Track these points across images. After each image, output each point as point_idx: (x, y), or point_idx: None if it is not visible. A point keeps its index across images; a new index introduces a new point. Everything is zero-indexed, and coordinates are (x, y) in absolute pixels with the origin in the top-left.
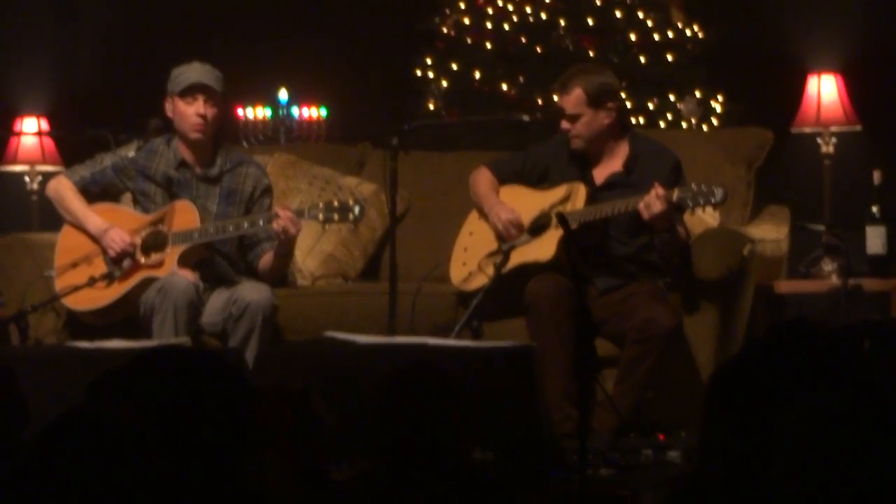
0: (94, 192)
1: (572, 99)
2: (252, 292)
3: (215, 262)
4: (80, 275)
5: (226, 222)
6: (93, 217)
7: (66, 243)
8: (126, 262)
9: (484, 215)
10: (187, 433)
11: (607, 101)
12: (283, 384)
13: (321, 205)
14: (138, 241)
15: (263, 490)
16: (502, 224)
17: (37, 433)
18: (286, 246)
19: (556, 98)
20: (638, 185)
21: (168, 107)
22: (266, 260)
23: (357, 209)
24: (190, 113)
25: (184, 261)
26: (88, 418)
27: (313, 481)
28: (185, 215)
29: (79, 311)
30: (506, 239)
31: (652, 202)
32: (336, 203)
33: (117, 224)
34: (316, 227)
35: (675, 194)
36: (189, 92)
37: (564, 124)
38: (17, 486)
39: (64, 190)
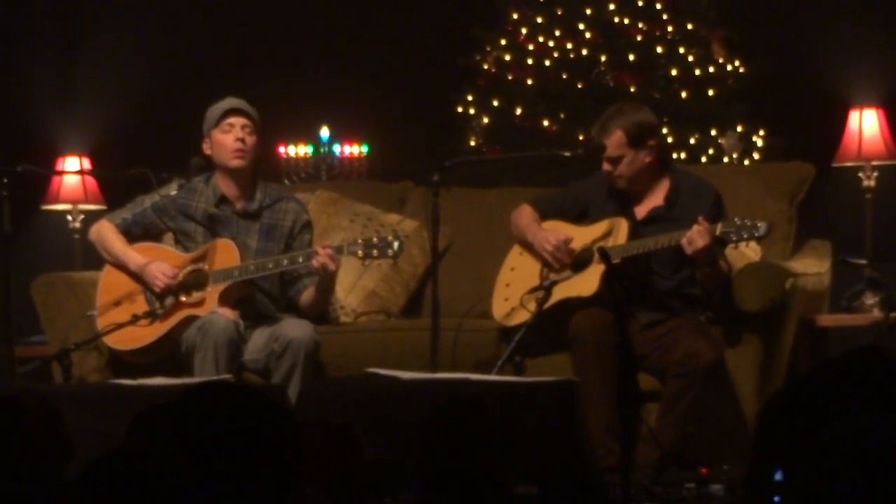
0: (136, 234)
1: (613, 141)
2: (294, 329)
3: (256, 299)
4: (122, 313)
5: (265, 260)
6: (133, 255)
7: (108, 283)
8: (168, 300)
9: (527, 249)
10: (230, 469)
11: (648, 140)
12: (326, 419)
13: (360, 241)
14: (180, 276)
15: None
16: (552, 247)
17: (80, 470)
18: (326, 282)
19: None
20: (679, 219)
21: (206, 145)
22: (307, 295)
23: (396, 245)
24: (229, 140)
25: (224, 298)
26: (131, 456)
27: None
28: (225, 253)
29: (121, 350)
30: (556, 264)
31: (695, 237)
32: (375, 239)
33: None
34: (357, 263)
35: (719, 228)
36: (225, 118)
37: (606, 166)
38: None
39: (105, 232)
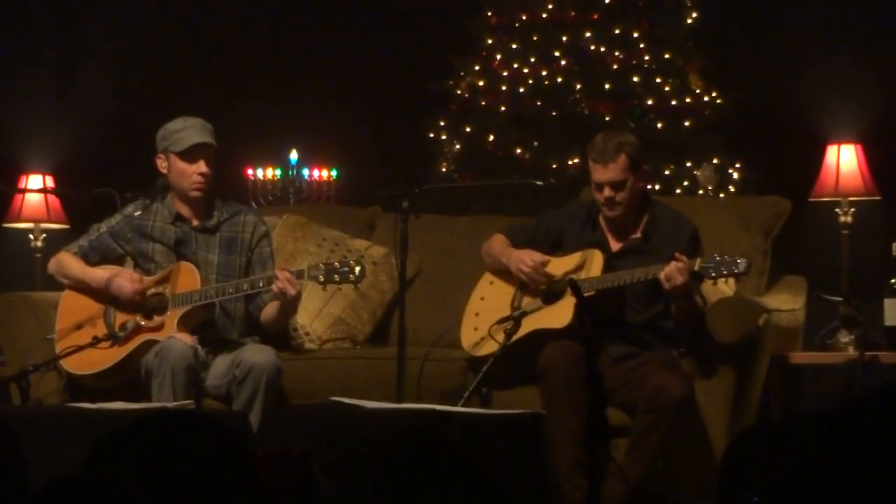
0: (93, 260)
1: (619, 166)
2: (256, 355)
3: (218, 323)
4: (82, 336)
5: (226, 284)
6: (93, 272)
7: (68, 307)
8: (129, 324)
9: (498, 277)
10: (186, 499)
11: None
12: (284, 449)
13: (322, 265)
14: (147, 284)
15: None
16: (529, 268)
17: (33, 495)
18: (288, 306)
19: (592, 167)
20: (655, 252)
21: (161, 163)
22: (268, 311)
23: (358, 270)
24: (191, 172)
25: (184, 323)
26: (84, 484)
27: None
28: (187, 277)
29: (80, 375)
30: (533, 285)
31: (674, 273)
32: (337, 264)
33: None
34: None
35: (698, 264)
36: (190, 153)
37: (608, 192)
38: None
39: (63, 259)
